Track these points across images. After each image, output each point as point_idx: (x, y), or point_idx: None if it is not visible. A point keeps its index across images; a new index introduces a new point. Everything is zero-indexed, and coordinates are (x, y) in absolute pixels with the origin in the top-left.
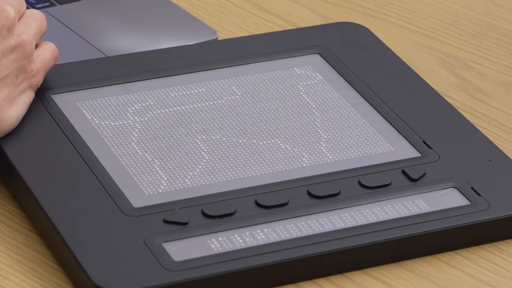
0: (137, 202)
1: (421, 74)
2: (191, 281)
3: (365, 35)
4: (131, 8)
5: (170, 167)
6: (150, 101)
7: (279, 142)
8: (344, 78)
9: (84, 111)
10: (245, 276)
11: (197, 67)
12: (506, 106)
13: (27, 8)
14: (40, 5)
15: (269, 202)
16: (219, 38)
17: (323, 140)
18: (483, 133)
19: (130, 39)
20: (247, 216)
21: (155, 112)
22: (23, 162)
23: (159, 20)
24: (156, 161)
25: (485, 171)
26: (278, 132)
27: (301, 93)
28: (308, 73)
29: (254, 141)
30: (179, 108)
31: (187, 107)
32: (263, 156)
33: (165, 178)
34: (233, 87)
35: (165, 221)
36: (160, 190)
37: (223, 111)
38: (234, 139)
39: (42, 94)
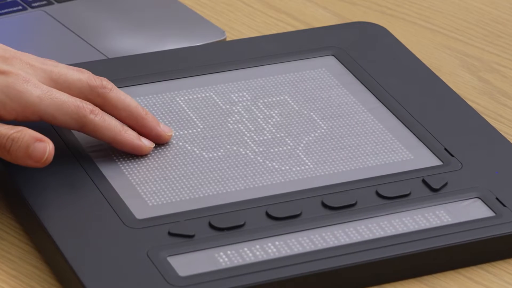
0: (140, 213)
1: (443, 77)
2: None
3: (383, 36)
4: (133, 7)
5: (176, 176)
6: (154, 105)
7: (291, 149)
8: (361, 81)
9: None
10: None
11: (204, 70)
12: None
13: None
14: (37, 4)
15: (281, 213)
16: (228, 39)
17: (338, 147)
18: (509, 139)
19: (132, 40)
20: (257, 228)
21: (159, 117)
22: (19, 172)
23: (164, 19)
24: (161, 169)
25: (510, 180)
26: (290, 139)
27: (315, 97)
28: (322, 76)
29: (265, 148)
30: (185, 113)
31: (193, 112)
32: (274, 165)
33: (170, 188)
34: (243, 91)
35: (170, 234)
36: (165, 201)
37: (231, 116)
38: (243, 146)
39: None
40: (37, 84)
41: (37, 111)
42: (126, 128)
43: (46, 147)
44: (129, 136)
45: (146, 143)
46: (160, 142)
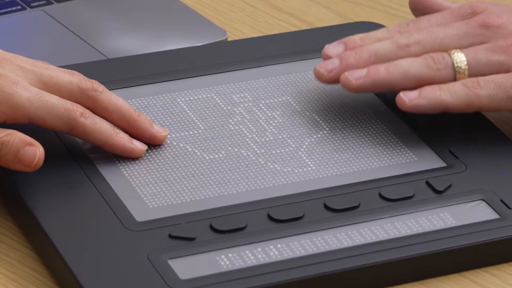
0: (140, 215)
1: None
2: None
3: None
4: (134, 7)
5: (176, 178)
6: (154, 106)
7: (293, 151)
8: None
9: None
10: None
11: (205, 70)
12: None
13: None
14: (36, 3)
15: (283, 215)
16: (229, 39)
17: (341, 149)
18: None
19: (133, 40)
20: (259, 230)
21: (160, 118)
22: (18, 173)
23: (164, 19)
24: (161, 171)
25: None
26: (292, 141)
27: (317, 98)
28: None
29: (267, 150)
30: (186, 114)
31: (194, 113)
32: (276, 166)
33: (171, 190)
34: (244, 92)
35: (171, 236)
36: (165, 203)
37: (233, 117)
38: (245, 148)
39: None
40: (26, 87)
41: (27, 114)
42: (117, 131)
43: (36, 151)
44: (121, 139)
45: (138, 146)
46: (154, 143)
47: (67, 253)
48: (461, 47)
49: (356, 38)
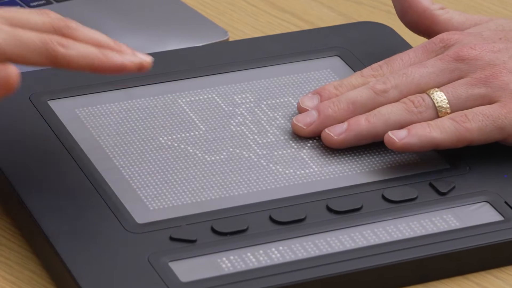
0: (141, 217)
1: None
2: None
3: (389, 36)
4: (134, 6)
5: (177, 179)
6: (155, 107)
7: (295, 152)
8: None
9: (83, 118)
10: None
11: (206, 71)
12: None
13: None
14: (35, 3)
15: (285, 217)
16: (230, 39)
17: (343, 150)
18: None
19: (132, 40)
20: (260, 233)
21: (160, 119)
22: (17, 174)
23: (165, 19)
24: (162, 173)
25: None
26: (294, 142)
27: None
28: (327, 77)
29: (269, 151)
30: (187, 115)
31: (195, 114)
32: (278, 168)
33: (172, 192)
34: (246, 92)
35: (172, 238)
36: (166, 205)
37: (234, 118)
38: (246, 149)
39: (38, 100)
40: None
41: (3, 53)
42: (103, 50)
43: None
44: (109, 58)
45: (130, 58)
46: (141, 71)
47: (66, 256)
48: (439, 85)
49: (331, 87)
